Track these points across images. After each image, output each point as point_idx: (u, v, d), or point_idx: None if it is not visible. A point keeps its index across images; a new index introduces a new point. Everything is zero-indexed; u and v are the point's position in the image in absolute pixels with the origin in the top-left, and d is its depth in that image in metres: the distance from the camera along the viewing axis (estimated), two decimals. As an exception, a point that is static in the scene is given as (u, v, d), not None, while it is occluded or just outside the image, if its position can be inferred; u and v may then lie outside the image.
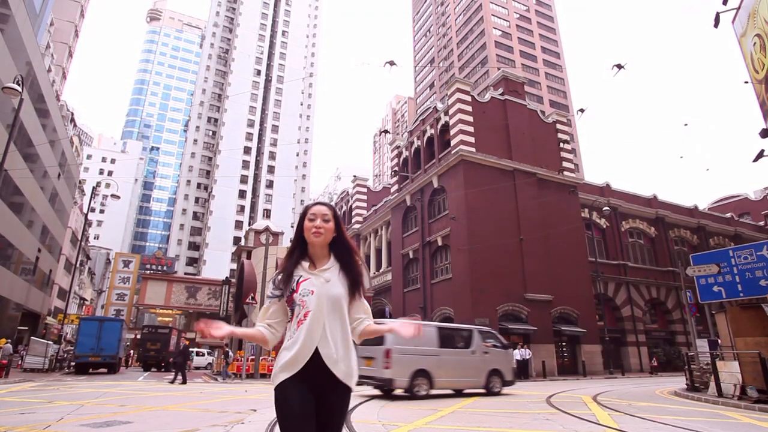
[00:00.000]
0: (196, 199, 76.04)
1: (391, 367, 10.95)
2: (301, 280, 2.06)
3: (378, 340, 11.28)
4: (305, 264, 2.11)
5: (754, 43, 14.49)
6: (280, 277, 2.13)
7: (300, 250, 2.16)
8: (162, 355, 29.21)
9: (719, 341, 13.44)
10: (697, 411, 8.98)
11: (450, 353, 12.27)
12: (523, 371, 21.97)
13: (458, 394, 12.21)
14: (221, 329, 1.96)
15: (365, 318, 2.16)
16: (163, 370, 28.45)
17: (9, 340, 20.62)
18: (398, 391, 11.50)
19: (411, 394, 11.11)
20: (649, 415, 7.78)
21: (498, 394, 12.51)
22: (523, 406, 9.59)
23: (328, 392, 1.95)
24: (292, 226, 74.22)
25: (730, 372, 10.98)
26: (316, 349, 1.92)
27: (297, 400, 1.88)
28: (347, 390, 1.99)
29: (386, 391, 11.55)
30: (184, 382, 16.19)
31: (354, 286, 2.10)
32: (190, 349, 36.16)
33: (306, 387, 1.92)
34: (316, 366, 1.92)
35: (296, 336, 1.95)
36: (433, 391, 11.55)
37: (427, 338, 11.94)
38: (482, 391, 12.43)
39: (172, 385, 15.61)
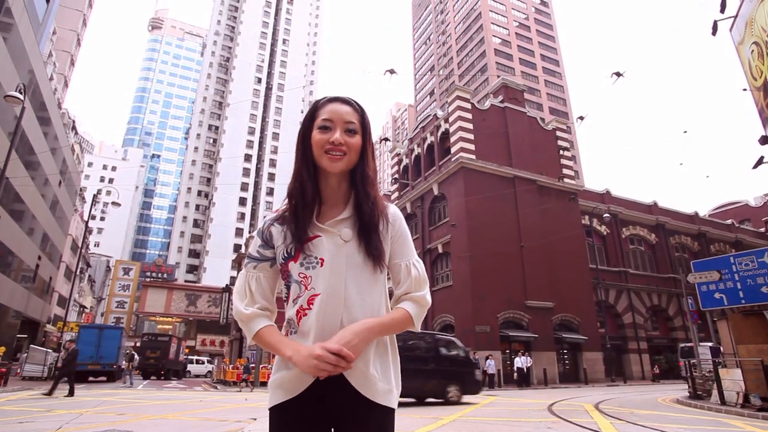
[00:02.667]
0: (197, 207, 76.11)
1: None
2: (304, 238, 1.24)
3: None
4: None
5: (752, 51, 14.57)
6: (274, 229, 1.28)
7: (312, 184, 1.27)
8: (161, 363, 29.07)
9: (721, 348, 13.37)
10: (700, 419, 8.92)
11: None
12: (524, 379, 21.88)
13: (462, 402, 12.14)
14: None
15: (407, 296, 1.29)
16: (162, 378, 28.30)
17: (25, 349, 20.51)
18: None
19: None
20: (651, 424, 7.72)
21: None
22: (524, 414, 9.52)
23: (355, 418, 1.21)
24: (292, 234, 74.25)
25: (732, 380, 10.91)
26: None
27: None
28: (387, 411, 1.23)
29: None
30: (70, 393, 12.34)
31: (373, 250, 1.24)
32: (190, 357, 35.77)
33: (318, 413, 1.22)
34: (333, 378, 1.18)
35: (300, 336, 1.23)
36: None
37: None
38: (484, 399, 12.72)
39: (48, 397, 11.93)
